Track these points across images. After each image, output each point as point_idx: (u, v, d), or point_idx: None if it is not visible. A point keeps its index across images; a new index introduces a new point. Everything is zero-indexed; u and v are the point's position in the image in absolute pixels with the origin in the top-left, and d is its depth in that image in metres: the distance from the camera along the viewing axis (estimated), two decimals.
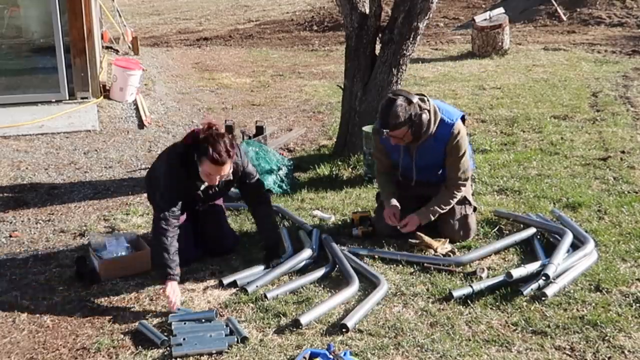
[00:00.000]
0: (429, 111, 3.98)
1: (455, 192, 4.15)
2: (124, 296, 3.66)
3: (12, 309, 3.55)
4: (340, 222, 4.59)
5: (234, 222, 4.57)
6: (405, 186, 4.32)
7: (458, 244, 4.17)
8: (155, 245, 3.67)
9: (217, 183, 3.76)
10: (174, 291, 3.49)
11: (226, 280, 3.73)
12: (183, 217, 4.03)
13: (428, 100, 4.02)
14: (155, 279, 3.82)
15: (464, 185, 4.19)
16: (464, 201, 4.24)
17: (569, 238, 3.93)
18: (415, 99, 3.92)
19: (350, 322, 3.25)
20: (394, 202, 4.19)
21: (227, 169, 3.67)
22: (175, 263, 3.58)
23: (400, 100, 3.87)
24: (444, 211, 4.14)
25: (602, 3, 13.74)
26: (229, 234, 4.20)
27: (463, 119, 4.15)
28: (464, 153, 4.10)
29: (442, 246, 4.08)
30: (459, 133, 4.04)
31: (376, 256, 4.02)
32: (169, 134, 7.02)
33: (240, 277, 3.76)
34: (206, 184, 3.80)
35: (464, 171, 4.14)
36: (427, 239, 4.10)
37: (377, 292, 3.52)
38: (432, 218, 4.16)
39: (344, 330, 3.23)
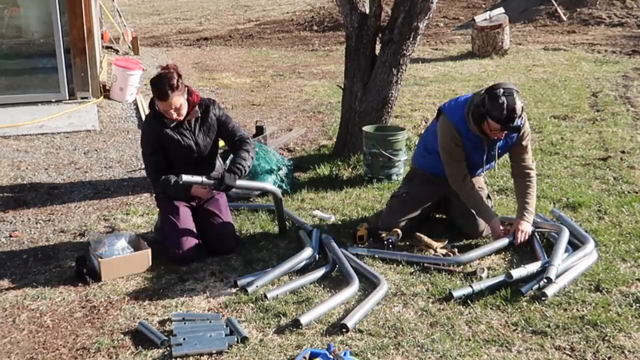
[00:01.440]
0: None
1: (534, 177, 4.26)
2: (124, 296, 3.66)
3: (12, 309, 3.55)
4: (340, 222, 4.59)
5: (234, 222, 4.56)
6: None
7: (458, 243, 4.17)
8: (165, 186, 3.99)
9: (175, 117, 3.99)
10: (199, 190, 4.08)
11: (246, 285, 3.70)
12: (187, 212, 4.06)
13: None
14: (155, 278, 3.83)
15: (534, 168, 4.32)
16: (486, 197, 4.36)
17: (565, 235, 3.93)
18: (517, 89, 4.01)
19: (350, 322, 3.25)
20: (498, 220, 4.17)
21: (177, 102, 3.94)
22: (201, 177, 3.94)
23: (516, 94, 3.92)
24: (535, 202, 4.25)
25: (602, 3, 13.75)
26: (230, 234, 4.21)
27: None
28: (530, 138, 4.29)
29: (441, 246, 4.08)
30: (525, 123, 4.18)
31: (376, 256, 4.02)
32: None
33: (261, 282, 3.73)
34: (172, 123, 4.05)
35: (530, 156, 4.29)
36: (426, 239, 4.10)
37: (377, 292, 3.52)
38: (533, 214, 4.20)
39: (344, 330, 3.23)
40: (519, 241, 4.05)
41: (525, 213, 4.14)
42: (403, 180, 4.79)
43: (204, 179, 3.95)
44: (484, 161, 4.26)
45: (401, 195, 4.43)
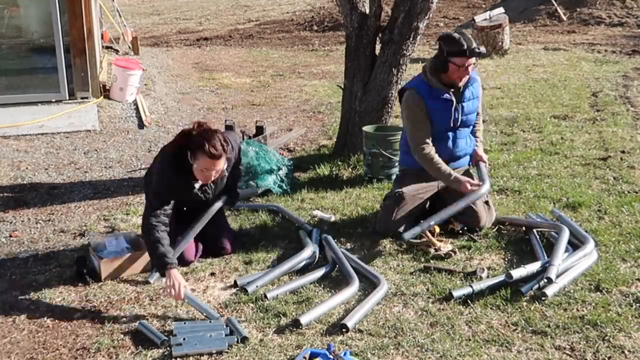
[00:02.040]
0: None
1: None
2: (124, 296, 3.66)
3: (12, 309, 3.55)
4: (340, 222, 4.59)
5: (234, 221, 4.57)
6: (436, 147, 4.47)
7: (459, 243, 4.17)
8: (148, 242, 3.63)
9: (212, 180, 3.77)
10: (176, 278, 3.42)
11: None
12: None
13: None
14: (155, 278, 3.82)
15: None
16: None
17: (565, 235, 3.93)
18: None
19: (350, 322, 3.25)
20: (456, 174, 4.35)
21: (222, 164, 3.70)
22: (172, 252, 3.57)
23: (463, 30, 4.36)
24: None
25: (602, 3, 13.75)
26: (228, 235, 4.20)
27: None
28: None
29: (444, 245, 4.07)
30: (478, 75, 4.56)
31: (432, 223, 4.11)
32: (169, 134, 7.02)
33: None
34: (200, 182, 3.82)
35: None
36: (430, 237, 4.09)
37: (377, 292, 3.52)
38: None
39: (344, 330, 3.23)
40: (483, 170, 4.43)
41: (480, 144, 4.65)
42: (394, 182, 4.80)
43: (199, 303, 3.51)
44: (451, 121, 4.40)
45: (394, 195, 4.42)
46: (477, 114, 4.61)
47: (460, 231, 4.29)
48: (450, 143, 4.45)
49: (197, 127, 3.68)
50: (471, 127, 4.58)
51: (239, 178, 4.35)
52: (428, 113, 4.34)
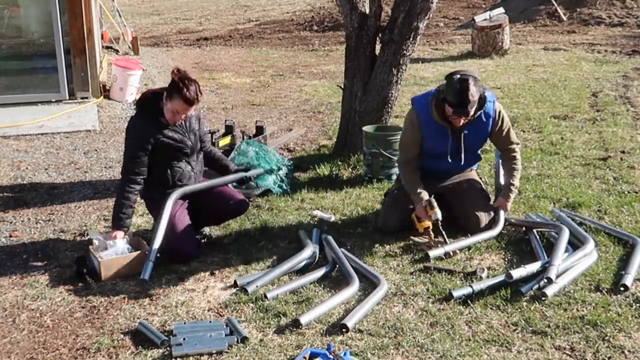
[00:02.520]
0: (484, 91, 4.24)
1: (517, 155, 4.44)
2: (124, 296, 3.66)
3: (12, 309, 3.55)
4: (340, 222, 4.59)
5: (234, 221, 4.56)
6: (432, 162, 4.42)
7: (457, 244, 4.17)
8: (116, 200, 4.07)
9: (178, 122, 4.05)
10: (117, 238, 3.96)
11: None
12: (183, 210, 4.09)
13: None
14: (155, 278, 3.83)
15: (519, 148, 4.48)
16: (480, 190, 4.47)
17: (565, 235, 3.93)
18: (477, 76, 4.16)
19: (350, 322, 3.25)
20: (425, 194, 4.21)
21: (192, 111, 4.06)
22: (129, 217, 4.04)
23: (472, 80, 4.02)
24: (519, 178, 4.43)
25: (602, 3, 13.75)
26: (238, 195, 4.35)
27: None
28: (509, 123, 4.42)
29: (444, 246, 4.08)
30: (499, 108, 4.36)
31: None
32: None
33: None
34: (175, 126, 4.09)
35: (513, 136, 4.44)
36: (431, 238, 4.09)
37: (377, 292, 3.52)
38: (515, 195, 4.44)
39: (344, 330, 3.23)
40: (500, 217, 4.26)
41: (508, 189, 4.38)
42: (396, 179, 4.82)
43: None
44: (448, 150, 4.32)
45: (393, 192, 4.51)
46: (508, 146, 4.43)
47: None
48: (450, 164, 4.40)
49: (177, 72, 4.00)
50: (473, 154, 4.49)
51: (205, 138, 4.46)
52: (422, 139, 4.32)
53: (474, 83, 4.02)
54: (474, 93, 4.02)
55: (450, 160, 4.37)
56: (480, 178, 4.71)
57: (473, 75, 4.08)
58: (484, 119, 4.28)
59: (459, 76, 4.05)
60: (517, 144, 4.47)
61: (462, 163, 4.39)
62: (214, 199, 4.25)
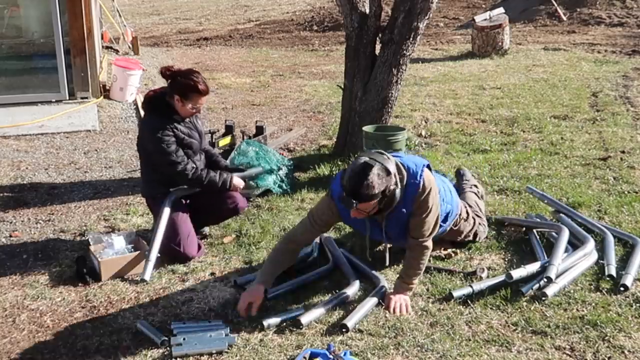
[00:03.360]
0: (400, 182, 3.39)
1: (423, 251, 3.54)
2: (124, 296, 3.66)
3: (12, 309, 3.55)
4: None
5: (234, 221, 4.57)
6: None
7: (458, 246, 4.17)
8: (205, 182, 4.12)
9: (194, 112, 4.12)
10: (238, 182, 4.26)
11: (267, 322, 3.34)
12: (184, 210, 4.12)
13: (389, 159, 3.38)
14: (155, 278, 3.83)
15: (428, 242, 3.55)
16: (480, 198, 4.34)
17: (565, 235, 3.93)
18: (392, 168, 3.32)
19: (350, 322, 3.25)
20: (261, 287, 3.46)
21: (207, 99, 4.16)
22: (220, 174, 4.17)
23: (377, 169, 3.24)
24: (421, 272, 3.59)
25: (602, 3, 13.75)
26: (236, 195, 4.34)
27: (429, 167, 3.60)
28: (430, 211, 3.47)
29: (443, 248, 4.07)
30: (424, 191, 3.43)
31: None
32: None
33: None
34: (187, 123, 4.15)
35: (428, 228, 3.50)
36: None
37: (377, 291, 3.52)
38: (415, 285, 3.56)
39: (344, 330, 3.23)
40: (391, 310, 3.41)
41: (403, 287, 3.53)
42: None
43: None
44: (374, 234, 3.65)
45: None
46: (422, 232, 3.51)
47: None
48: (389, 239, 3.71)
49: (168, 70, 4.05)
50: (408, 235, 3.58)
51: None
52: (340, 215, 3.59)
53: (380, 174, 3.24)
54: (373, 186, 3.21)
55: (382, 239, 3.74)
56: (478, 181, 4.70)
57: (383, 162, 3.28)
58: (403, 208, 3.46)
59: (365, 159, 3.28)
60: (427, 236, 3.52)
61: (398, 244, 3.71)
62: (212, 198, 4.25)
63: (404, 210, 3.46)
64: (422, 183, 3.42)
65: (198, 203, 4.24)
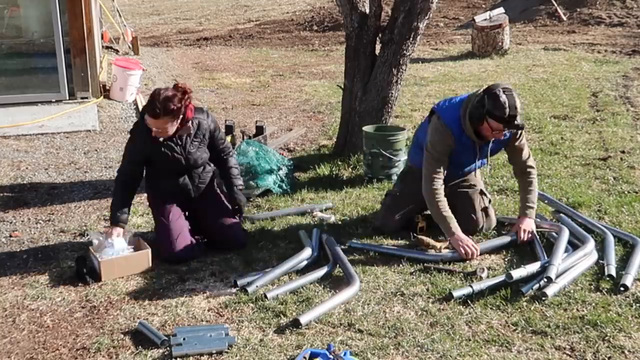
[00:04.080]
0: None
1: (534, 172, 4.24)
2: (124, 296, 3.66)
3: (12, 309, 3.55)
4: (340, 222, 4.59)
5: None
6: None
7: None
8: (113, 194, 4.17)
9: (156, 135, 3.95)
10: (114, 234, 3.97)
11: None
12: (178, 211, 4.10)
13: None
14: (155, 278, 3.83)
15: (534, 163, 4.28)
16: (480, 193, 4.36)
17: (565, 235, 3.93)
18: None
19: (304, 319, 3.27)
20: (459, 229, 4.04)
21: (162, 125, 3.90)
22: (125, 211, 4.06)
23: (514, 91, 3.90)
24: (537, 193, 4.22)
25: (602, 3, 13.75)
26: (240, 229, 4.26)
27: None
28: (526, 142, 4.25)
29: (444, 246, 4.07)
30: None
31: (373, 252, 4.06)
32: None
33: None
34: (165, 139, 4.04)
35: (528, 151, 4.25)
36: (428, 240, 4.10)
37: (346, 291, 3.55)
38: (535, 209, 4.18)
39: (299, 326, 3.24)
40: (522, 239, 4.05)
41: (527, 211, 4.15)
42: (397, 178, 4.82)
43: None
44: (471, 161, 4.26)
45: (394, 194, 4.49)
46: (525, 166, 4.21)
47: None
48: (464, 170, 4.35)
49: (160, 90, 3.95)
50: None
51: (222, 149, 4.33)
52: (451, 151, 4.12)
53: (516, 95, 3.87)
54: (520, 105, 3.87)
55: (466, 167, 4.31)
56: (483, 178, 4.71)
57: (511, 87, 3.93)
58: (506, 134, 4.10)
59: (501, 89, 3.84)
60: (532, 167, 4.22)
61: (492, 170, 4.30)
62: (214, 227, 4.19)
63: (503, 142, 4.13)
64: None
65: (199, 224, 4.23)
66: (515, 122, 3.85)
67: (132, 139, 4.11)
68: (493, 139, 4.07)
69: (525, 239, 4.06)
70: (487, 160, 4.27)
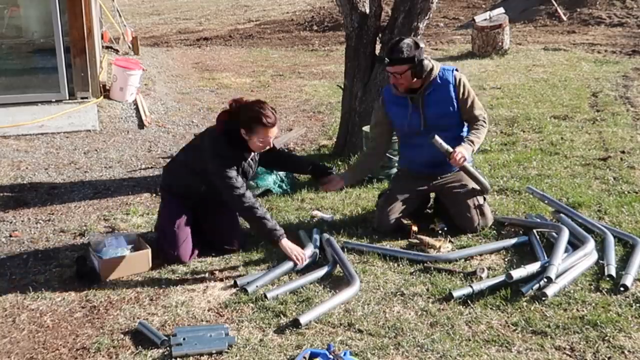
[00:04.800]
0: (430, 60, 4.26)
1: (484, 125, 4.32)
2: (124, 296, 3.66)
3: (12, 309, 3.55)
4: (340, 222, 4.59)
5: None
6: (414, 151, 4.44)
7: (459, 243, 4.18)
8: (254, 219, 3.85)
9: (265, 146, 3.93)
10: (292, 247, 3.83)
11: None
12: (185, 216, 4.07)
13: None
14: (155, 278, 3.83)
15: (486, 121, 4.35)
16: (474, 193, 4.37)
17: (565, 235, 3.93)
18: (422, 44, 4.25)
19: (303, 319, 3.27)
20: (343, 175, 4.54)
21: (277, 130, 3.94)
22: (276, 224, 3.86)
23: (408, 40, 4.18)
24: (480, 141, 4.28)
25: (602, 3, 13.74)
26: (239, 231, 4.25)
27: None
28: (473, 94, 4.34)
29: (443, 245, 4.08)
30: (460, 77, 4.30)
31: (374, 252, 4.05)
32: (169, 133, 7.02)
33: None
34: (252, 154, 4.02)
35: (481, 108, 4.35)
36: (427, 239, 4.11)
37: (346, 291, 3.55)
38: (473, 149, 4.22)
39: (298, 326, 3.25)
40: (454, 157, 4.08)
41: (465, 143, 4.19)
42: (391, 180, 4.92)
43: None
44: (413, 123, 4.31)
45: (386, 193, 4.56)
46: (472, 116, 4.31)
47: (440, 232, 4.29)
48: (421, 149, 4.34)
49: (238, 102, 3.92)
50: (451, 130, 4.31)
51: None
52: (389, 118, 4.42)
53: (410, 42, 4.17)
54: (406, 48, 4.11)
55: (422, 137, 4.24)
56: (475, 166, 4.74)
57: (416, 40, 4.22)
58: (441, 84, 4.25)
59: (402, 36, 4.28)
60: (484, 117, 4.33)
61: (444, 137, 4.16)
62: (214, 227, 4.19)
63: (439, 82, 4.25)
64: (454, 70, 4.32)
65: (204, 227, 4.21)
66: (394, 59, 4.12)
67: (227, 158, 3.89)
68: (427, 90, 4.25)
69: (458, 157, 4.07)
70: (425, 122, 4.28)
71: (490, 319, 3.33)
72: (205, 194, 4.09)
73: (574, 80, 8.87)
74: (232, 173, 3.85)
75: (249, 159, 4.05)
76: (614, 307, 3.39)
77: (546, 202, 4.64)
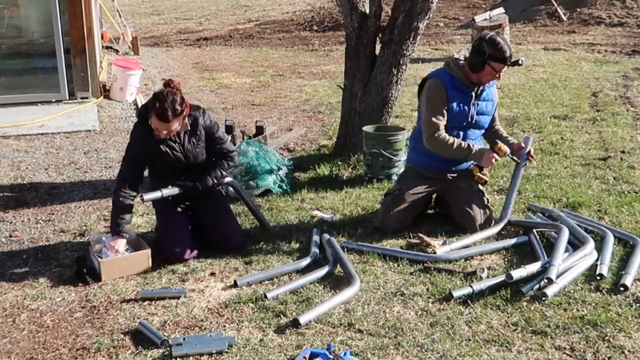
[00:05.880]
0: None
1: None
2: (124, 296, 3.66)
3: (12, 309, 3.55)
4: (340, 222, 4.58)
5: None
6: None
7: (457, 243, 4.17)
8: (113, 205, 4.07)
9: (164, 137, 3.95)
10: (118, 245, 3.93)
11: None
12: (181, 214, 4.07)
13: None
14: (155, 278, 3.83)
15: None
16: (478, 191, 4.44)
17: (565, 235, 3.93)
18: None
19: (303, 318, 3.27)
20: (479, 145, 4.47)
21: (174, 126, 3.91)
22: (127, 221, 4.01)
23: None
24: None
25: (602, 3, 13.76)
26: (239, 231, 4.25)
27: None
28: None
29: (441, 245, 4.08)
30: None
31: (370, 251, 4.06)
32: None
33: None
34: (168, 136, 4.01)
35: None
36: (427, 238, 4.11)
37: (346, 291, 3.54)
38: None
39: (298, 326, 3.25)
40: (532, 156, 4.42)
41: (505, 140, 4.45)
42: (398, 178, 4.85)
43: (163, 191, 4.02)
44: (468, 116, 4.38)
45: (394, 192, 4.51)
46: (494, 119, 4.62)
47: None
48: (464, 125, 4.44)
49: (164, 86, 3.94)
50: (482, 130, 4.53)
51: (221, 150, 4.24)
52: (447, 102, 4.33)
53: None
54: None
55: (461, 130, 4.40)
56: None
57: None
58: (491, 85, 4.53)
59: (491, 34, 4.35)
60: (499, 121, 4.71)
61: (470, 140, 4.39)
62: (213, 227, 4.19)
63: (488, 90, 4.49)
64: None
65: (204, 227, 4.22)
66: (516, 60, 4.36)
67: (132, 142, 4.06)
68: (482, 89, 4.42)
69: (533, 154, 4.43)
70: (473, 115, 4.41)
71: (491, 319, 3.33)
72: (187, 185, 4.09)
73: (574, 80, 8.87)
74: (131, 159, 4.04)
75: (176, 141, 4.01)
76: (614, 307, 3.39)
77: (547, 215, 4.57)
